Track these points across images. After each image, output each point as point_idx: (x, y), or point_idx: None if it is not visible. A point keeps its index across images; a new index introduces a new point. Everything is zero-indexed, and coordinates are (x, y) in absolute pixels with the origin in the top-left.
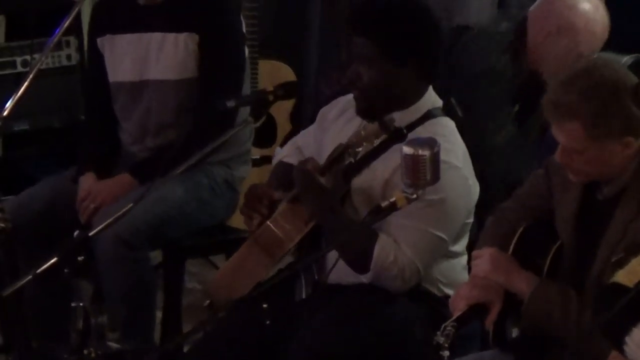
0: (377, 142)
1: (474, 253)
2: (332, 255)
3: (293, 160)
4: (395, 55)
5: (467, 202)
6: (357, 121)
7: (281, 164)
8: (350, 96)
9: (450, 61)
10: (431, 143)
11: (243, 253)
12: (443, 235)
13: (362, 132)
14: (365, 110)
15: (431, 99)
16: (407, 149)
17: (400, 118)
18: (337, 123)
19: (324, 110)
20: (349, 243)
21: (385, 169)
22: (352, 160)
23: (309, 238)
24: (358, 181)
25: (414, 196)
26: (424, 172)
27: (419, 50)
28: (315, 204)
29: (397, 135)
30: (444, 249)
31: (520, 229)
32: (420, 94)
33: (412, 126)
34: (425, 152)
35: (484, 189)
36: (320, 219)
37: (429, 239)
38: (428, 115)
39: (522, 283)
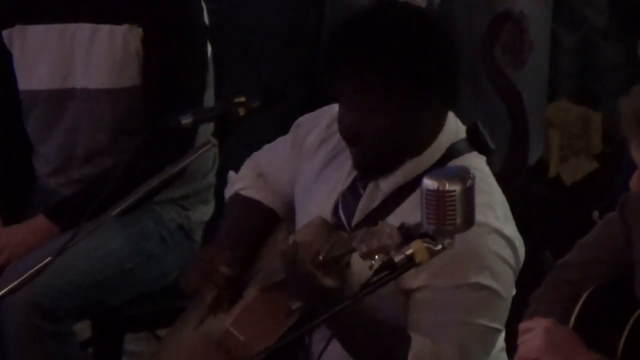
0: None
1: (522, 325)
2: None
3: (256, 193)
4: (417, 97)
5: (515, 274)
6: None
7: (240, 199)
8: (336, 110)
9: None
10: (462, 174)
11: (192, 341)
12: (497, 326)
13: (374, 242)
14: (367, 168)
15: (452, 128)
16: (429, 183)
17: (411, 167)
18: (322, 161)
19: (300, 125)
20: (367, 351)
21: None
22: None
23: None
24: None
25: (439, 247)
26: (453, 213)
27: (444, 80)
28: (320, 305)
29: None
30: (496, 342)
31: (586, 294)
32: (440, 127)
33: None
34: (454, 187)
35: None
36: (326, 323)
37: (480, 334)
38: (450, 155)
39: None
